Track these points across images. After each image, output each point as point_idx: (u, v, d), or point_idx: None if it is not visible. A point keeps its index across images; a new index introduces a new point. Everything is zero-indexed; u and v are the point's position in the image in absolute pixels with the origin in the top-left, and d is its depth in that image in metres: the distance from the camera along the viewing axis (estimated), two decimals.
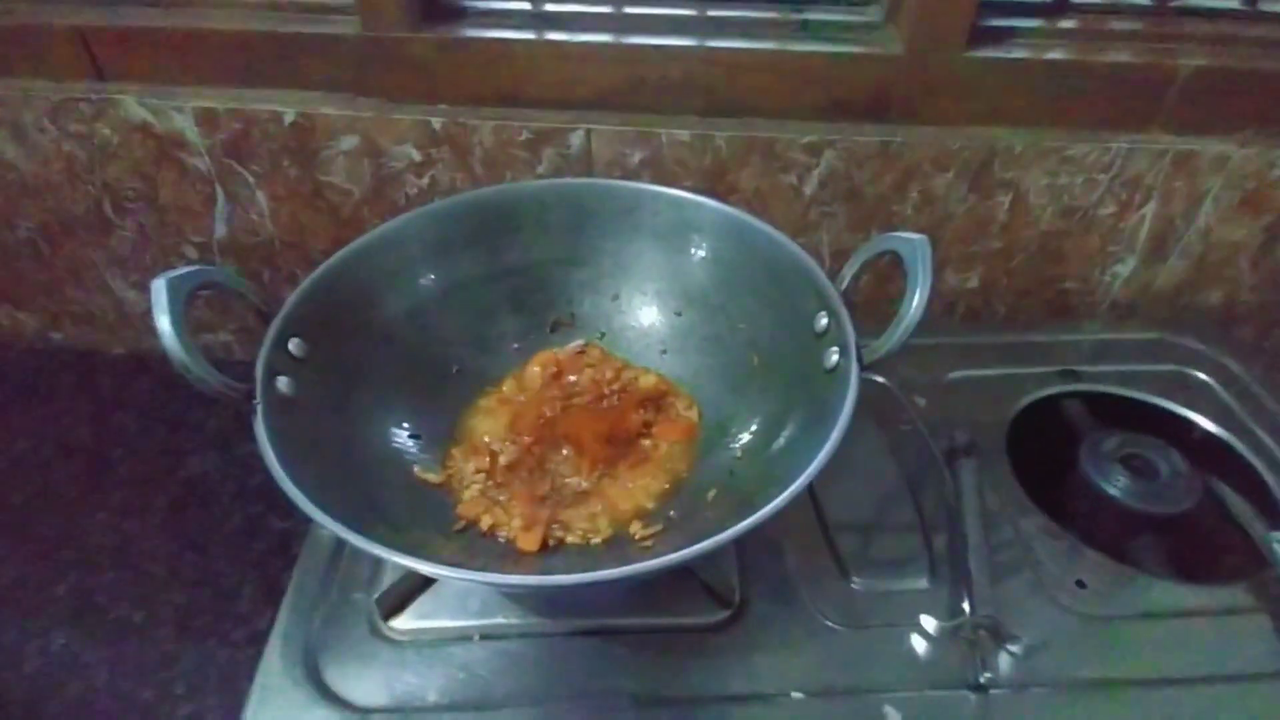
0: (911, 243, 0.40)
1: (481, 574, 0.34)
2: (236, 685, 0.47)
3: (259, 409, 0.38)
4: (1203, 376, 0.60)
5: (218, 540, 0.62)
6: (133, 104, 0.61)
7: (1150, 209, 0.62)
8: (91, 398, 0.73)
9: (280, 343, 0.42)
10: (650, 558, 0.34)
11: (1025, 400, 0.58)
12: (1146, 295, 0.68)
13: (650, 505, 0.46)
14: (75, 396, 0.73)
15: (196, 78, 0.61)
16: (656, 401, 0.51)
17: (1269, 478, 0.52)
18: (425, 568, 0.34)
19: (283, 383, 0.41)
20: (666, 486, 0.46)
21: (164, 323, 0.36)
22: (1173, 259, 0.65)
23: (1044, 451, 0.54)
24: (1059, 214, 0.63)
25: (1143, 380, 0.60)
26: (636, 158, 0.61)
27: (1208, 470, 0.52)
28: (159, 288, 0.36)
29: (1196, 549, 0.49)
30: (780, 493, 0.35)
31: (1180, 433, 0.56)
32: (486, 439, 0.49)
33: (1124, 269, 0.66)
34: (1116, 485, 0.51)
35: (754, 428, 0.47)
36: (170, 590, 0.59)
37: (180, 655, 0.55)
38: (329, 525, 0.34)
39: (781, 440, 0.44)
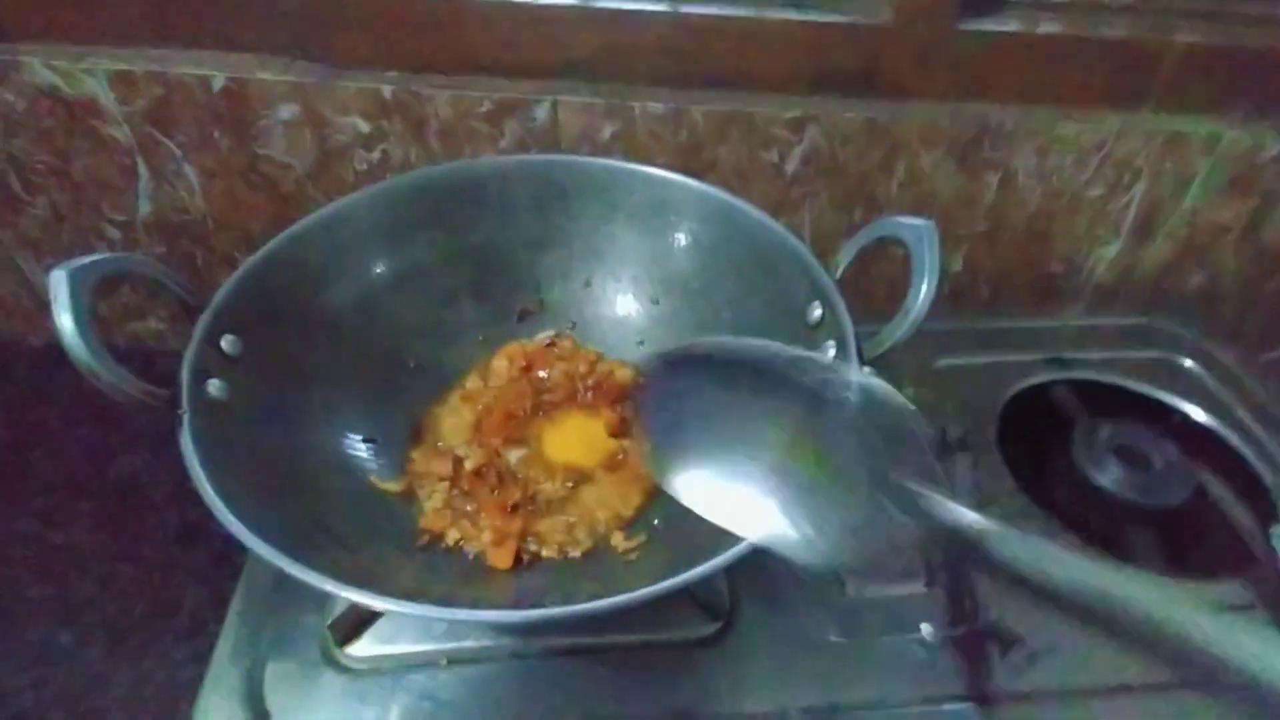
0: (917, 229, 0.37)
1: (445, 609, 0.30)
2: (177, 708, 0.42)
3: (185, 420, 0.33)
4: (1188, 363, 0.59)
5: (154, 548, 0.56)
6: (39, 66, 0.54)
7: (1139, 190, 0.60)
8: (7, 393, 0.66)
9: (210, 340, 0.37)
10: (637, 575, 0.31)
11: (1014, 389, 0.56)
12: (1129, 278, 0.66)
13: (629, 513, 0.42)
14: None
15: (112, 37, 0.54)
16: None
17: (1259, 467, 0.51)
18: (378, 603, 0.29)
19: (214, 386, 0.36)
20: (647, 491, 0.43)
21: (66, 321, 0.31)
22: (1158, 241, 0.64)
23: (1035, 443, 0.52)
24: (1048, 195, 0.60)
25: (1129, 367, 0.58)
26: (607, 132, 0.57)
27: (1199, 460, 0.51)
28: (59, 280, 0.31)
29: (1192, 543, 0.48)
30: None
31: (1169, 421, 0.55)
32: (449, 442, 0.44)
33: (1109, 251, 0.64)
34: (1110, 477, 0.49)
35: None
36: (101, 605, 0.54)
37: (113, 677, 0.50)
38: (269, 555, 0.29)
39: None
